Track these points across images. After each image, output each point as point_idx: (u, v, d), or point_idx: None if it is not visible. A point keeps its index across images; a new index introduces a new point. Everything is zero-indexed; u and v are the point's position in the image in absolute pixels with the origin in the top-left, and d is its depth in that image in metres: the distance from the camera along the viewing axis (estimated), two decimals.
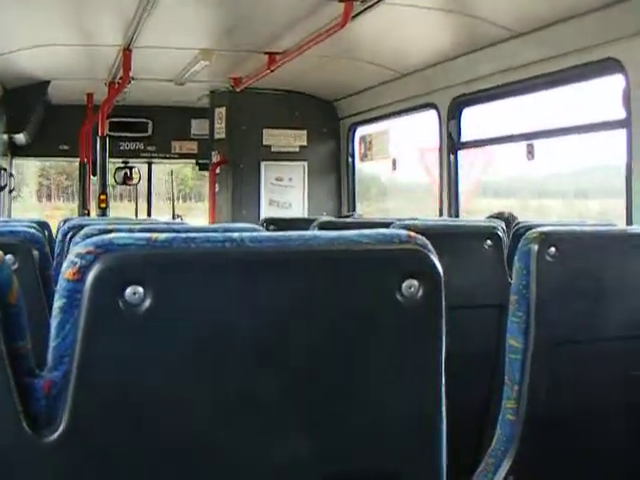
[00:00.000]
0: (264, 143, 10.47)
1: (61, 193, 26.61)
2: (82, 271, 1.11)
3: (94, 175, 10.58)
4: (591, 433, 2.39)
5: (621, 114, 5.52)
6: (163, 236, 1.14)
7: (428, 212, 8.76)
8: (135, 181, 12.21)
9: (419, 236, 1.27)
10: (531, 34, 6.36)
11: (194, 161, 12.12)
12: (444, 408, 1.29)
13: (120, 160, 11.92)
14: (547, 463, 2.33)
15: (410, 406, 1.27)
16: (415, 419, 1.28)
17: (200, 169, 12.14)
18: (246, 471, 1.21)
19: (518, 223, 3.71)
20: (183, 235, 1.15)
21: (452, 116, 7.88)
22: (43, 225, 3.82)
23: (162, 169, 14.06)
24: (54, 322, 1.13)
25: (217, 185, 10.68)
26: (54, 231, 4.26)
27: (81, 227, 2.55)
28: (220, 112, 10.54)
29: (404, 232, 1.26)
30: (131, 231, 1.19)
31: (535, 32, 6.30)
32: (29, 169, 22.92)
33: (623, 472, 2.47)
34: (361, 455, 1.27)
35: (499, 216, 5.12)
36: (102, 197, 9.69)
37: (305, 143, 10.64)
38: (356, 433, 1.25)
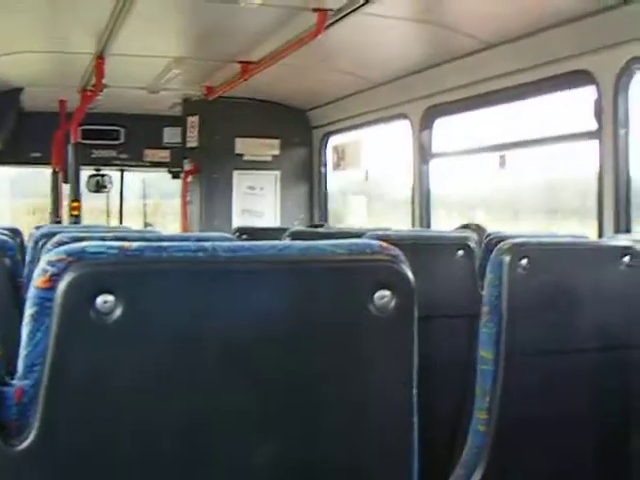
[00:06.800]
0: (237, 152, 10.45)
1: None
2: (53, 279, 1.10)
3: (66, 183, 10.51)
4: (562, 445, 2.40)
5: (593, 125, 5.56)
6: (135, 245, 1.13)
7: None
8: (108, 189, 12.14)
9: (391, 247, 1.27)
10: (504, 45, 6.39)
11: (166, 169, 12.07)
12: (415, 417, 1.29)
13: (92, 168, 11.84)
14: (517, 474, 2.34)
15: (381, 415, 1.27)
16: (386, 428, 1.28)
17: (172, 177, 12.09)
18: (220, 475, 1.20)
19: (489, 234, 3.71)
20: (155, 244, 1.14)
21: (424, 127, 7.89)
22: (15, 232, 3.80)
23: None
24: (25, 330, 1.12)
25: (189, 194, 10.64)
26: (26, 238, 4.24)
27: (53, 234, 2.53)
28: (193, 121, 10.52)
29: (376, 243, 1.27)
30: (103, 239, 1.18)
31: (508, 43, 6.33)
32: None
33: None
34: (333, 462, 1.26)
35: (466, 227, 5.12)
36: (74, 205, 9.62)
37: (278, 152, 10.62)
38: (328, 440, 1.25)
